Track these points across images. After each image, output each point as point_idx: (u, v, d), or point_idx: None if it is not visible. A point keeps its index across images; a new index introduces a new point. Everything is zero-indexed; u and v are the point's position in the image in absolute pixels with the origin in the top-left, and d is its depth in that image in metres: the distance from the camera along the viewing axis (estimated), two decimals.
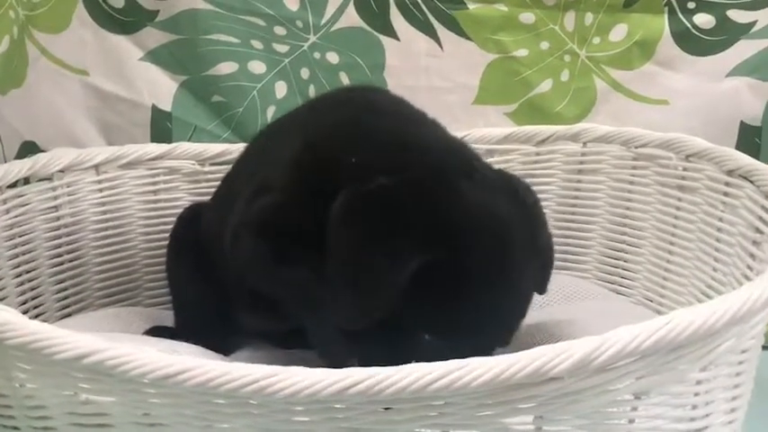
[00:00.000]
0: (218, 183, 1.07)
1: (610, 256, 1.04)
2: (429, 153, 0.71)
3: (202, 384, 0.55)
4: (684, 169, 0.95)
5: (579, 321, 0.85)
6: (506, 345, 0.68)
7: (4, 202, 0.90)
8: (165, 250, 1.05)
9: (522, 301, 0.68)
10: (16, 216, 0.92)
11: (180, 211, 1.05)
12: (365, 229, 0.65)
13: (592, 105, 1.14)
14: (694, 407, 0.63)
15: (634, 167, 1.01)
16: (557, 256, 1.06)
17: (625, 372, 0.57)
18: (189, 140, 1.13)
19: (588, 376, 0.56)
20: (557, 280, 1.01)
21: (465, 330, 0.64)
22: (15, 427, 0.67)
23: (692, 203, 0.93)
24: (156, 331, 0.89)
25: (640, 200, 1.00)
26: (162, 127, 1.15)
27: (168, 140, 1.14)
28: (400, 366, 0.54)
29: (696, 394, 0.63)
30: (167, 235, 1.04)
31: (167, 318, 0.99)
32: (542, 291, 0.74)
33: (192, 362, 0.56)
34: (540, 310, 0.94)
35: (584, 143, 1.06)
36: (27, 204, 0.93)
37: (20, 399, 0.64)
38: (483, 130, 1.09)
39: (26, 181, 0.94)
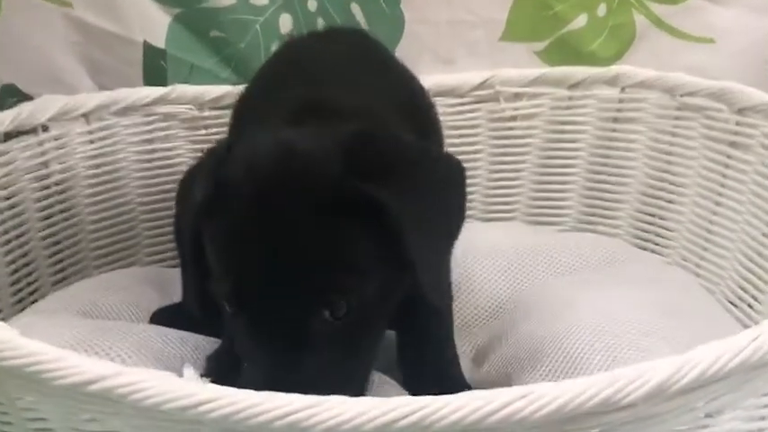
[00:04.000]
0: (218, 129, 0.99)
1: (645, 212, 0.97)
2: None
3: (227, 417, 0.48)
4: (737, 124, 0.86)
5: (623, 298, 0.78)
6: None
7: None
8: (163, 203, 0.98)
9: (295, 246, 0.55)
10: (1, 177, 0.83)
11: (178, 161, 0.99)
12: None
13: (630, 44, 1.05)
14: (762, 418, 0.57)
15: (677, 118, 0.93)
16: (586, 212, 1.02)
17: (703, 394, 0.50)
18: (186, 81, 1.03)
19: (664, 401, 0.49)
20: (586, 240, 0.96)
21: (229, 263, 0.57)
22: None
23: (744, 162, 0.86)
24: (162, 314, 0.81)
25: (683, 154, 0.92)
26: (155, 66, 1.04)
27: (163, 81, 1.04)
28: (454, 396, 0.48)
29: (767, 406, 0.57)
30: (165, 187, 0.98)
31: (170, 277, 0.92)
32: (419, 281, 0.58)
33: (216, 391, 0.49)
34: (573, 275, 0.88)
35: (623, 88, 0.96)
36: (12, 163, 0.85)
37: (17, 410, 0.57)
38: (510, 71, 1.01)
39: (7, 136, 0.84)
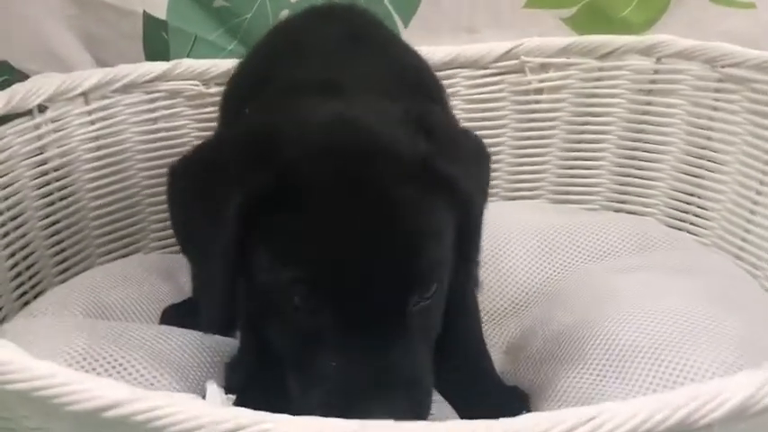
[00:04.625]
0: None
1: (681, 191, 0.91)
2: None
3: None
4: None
5: (664, 287, 0.73)
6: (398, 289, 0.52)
7: None
8: None
9: (396, 220, 0.52)
10: None
11: (184, 140, 0.93)
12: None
13: (664, 10, 0.99)
14: None
15: (718, 90, 0.87)
16: (617, 190, 0.97)
17: None
18: (189, 55, 0.98)
19: (742, 421, 0.45)
20: (618, 221, 0.91)
21: (314, 249, 0.51)
22: None
23: None
24: (173, 312, 0.76)
25: (724, 129, 0.87)
26: (157, 38, 0.99)
27: (165, 54, 0.99)
28: (520, 417, 0.43)
29: None
30: None
31: (177, 265, 0.87)
32: (467, 256, 0.58)
33: (249, 416, 0.44)
34: (607, 260, 0.83)
35: (658, 59, 0.90)
36: (7, 149, 0.79)
37: (25, 429, 0.53)
38: (536, 40, 0.94)
39: (1, 120, 0.78)
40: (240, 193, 0.51)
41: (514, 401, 0.67)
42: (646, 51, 0.91)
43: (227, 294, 0.53)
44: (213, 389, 0.56)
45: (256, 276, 0.52)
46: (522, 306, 0.80)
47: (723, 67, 0.86)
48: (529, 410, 0.65)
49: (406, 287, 0.51)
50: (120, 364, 0.61)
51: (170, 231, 0.94)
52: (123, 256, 0.90)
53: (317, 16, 0.71)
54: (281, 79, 0.62)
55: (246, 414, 0.44)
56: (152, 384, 0.60)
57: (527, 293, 0.81)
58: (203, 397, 0.58)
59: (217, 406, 0.49)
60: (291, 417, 0.44)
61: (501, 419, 0.44)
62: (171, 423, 0.44)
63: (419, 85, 0.67)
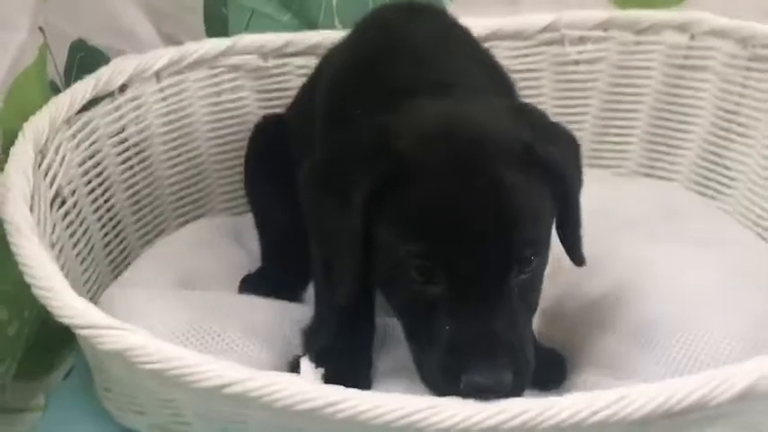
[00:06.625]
0: (281, 78, 1.00)
1: (707, 160, 0.98)
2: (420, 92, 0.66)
3: (351, 418, 0.54)
4: None
5: (689, 258, 0.81)
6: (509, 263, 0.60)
7: (74, 136, 0.83)
8: (232, 153, 1.01)
9: (504, 200, 0.59)
10: (88, 146, 0.85)
11: (246, 111, 1.00)
12: (311, 199, 0.65)
13: None
14: None
15: (748, 69, 0.92)
16: (646, 158, 1.03)
17: None
18: (247, 27, 1.04)
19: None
20: (645, 188, 0.98)
21: (430, 227, 0.59)
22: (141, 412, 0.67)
23: None
24: (250, 281, 0.86)
25: (753, 106, 0.93)
26: (216, 12, 1.04)
27: (224, 28, 1.04)
28: (565, 398, 0.53)
29: None
30: (234, 137, 1.00)
31: (241, 227, 0.97)
32: (568, 239, 0.66)
33: (340, 394, 0.54)
34: (636, 228, 0.90)
35: (692, 36, 0.95)
36: (96, 131, 0.87)
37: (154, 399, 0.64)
38: (576, 13, 0.99)
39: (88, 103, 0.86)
40: (365, 180, 0.59)
41: (553, 364, 0.75)
42: (681, 27, 0.96)
43: (359, 270, 0.61)
44: (306, 365, 0.66)
45: (379, 252, 0.60)
46: (555, 272, 0.88)
47: (754, 46, 0.91)
48: (566, 372, 0.75)
49: (507, 261, 0.59)
50: (219, 335, 0.72)
51: (234, 194, 1.03)
52: (195, 218, 0.99)
53: (409, 14, 0.76)
54: (391, 81, 0.68)
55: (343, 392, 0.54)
56: (246, 353, 0.71)
57: (560, 260, 0.89)
58: (293, 367, 0.68)
59: (311, 381, 0.60)
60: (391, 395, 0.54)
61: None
62: (282, 398, 0.54)
63: (501, 82, 0.76)
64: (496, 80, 0.75)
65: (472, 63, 0.73)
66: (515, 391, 0.57)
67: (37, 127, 0.78)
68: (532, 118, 0.65)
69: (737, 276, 0.78)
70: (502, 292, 0.59)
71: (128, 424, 0.72)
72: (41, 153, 0.77)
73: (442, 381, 0.58)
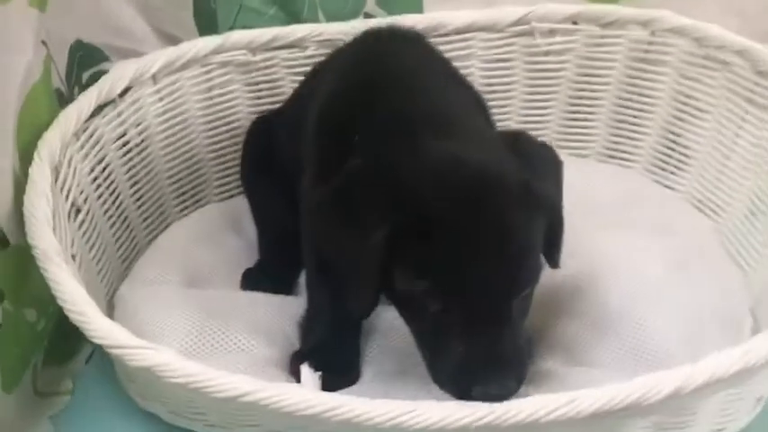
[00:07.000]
0: (269, 71, 1.06)
1: (664, 145, 1.06)
2: (409, 122, 0.72)
3: (348, 420, 0.64)
4: (756, 84, 0.94)
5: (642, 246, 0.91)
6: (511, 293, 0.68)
7: (82, 146, 0.90)
8: (226, 143, 1.08)
9: (509, 241, 0.67)
10: (95, 154, 0.91)
11: (236, 103, 1.06)
12: (325, 227, 0.71)
13: None
14: None
15: (703, 66, 1.00)
16: (609, 141, 1.11)
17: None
18: (235, 22, 1.09)
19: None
20: (608, 175, 1.06)
21: (443, 267, 0.66)
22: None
23: (760, 120, 0.94)
24: (250, 276, 0.94)
25: (705, 100, 1.00)
26: (205, 8, 1.09)
27: (214, 23, 1.09)
28: (530, 399, 0.64)
29: None
30: (226, 128, 1.06)
31: (239, 212, 1.05)
32: (551, 257, 0.73)
33: (337, 401, 0.65)
34: (602, 215, 0.98)
35: (653, 32, 1.02)
36: (101, 139, 0.93)
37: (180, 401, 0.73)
38: (547, 7, 1.06)
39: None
40: (385, 226, 0.66)
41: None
42: (643, 24, 1.02)
43: (374, 298, 0.70)
44: (306, 371, 0.76)
45: (396, 286, 0.68)
46: None
47: (707, 47, 0.98)
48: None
49: (513, 291, 0.68)
50: (225, 333, 0.81)
51: (228, 181, 1.10)
52: (195, 205, 1.06)
53: (393, 42, 0.82)
54: (384, 111, 0.75)
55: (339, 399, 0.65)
56: (251, 351, 0.80)
57: None
58: (294, 363, 0.78)
59: (311, 387, 0.70)
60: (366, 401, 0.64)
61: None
62: (286, 405, 0.65)
63: (479, 101, 0.83)
64: (476, 100, 0.83)
65: (455, 87, 0.81)
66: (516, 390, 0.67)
67: (50, 145, 0.83)
68: (523, 147, 0.73)
69: (683, 268, 0.88)
70: (507, 315, 0.68)
71: (150, 410, 0.82)
72: (56, 170, 0.83)
73: (455, 389, 0.68)
